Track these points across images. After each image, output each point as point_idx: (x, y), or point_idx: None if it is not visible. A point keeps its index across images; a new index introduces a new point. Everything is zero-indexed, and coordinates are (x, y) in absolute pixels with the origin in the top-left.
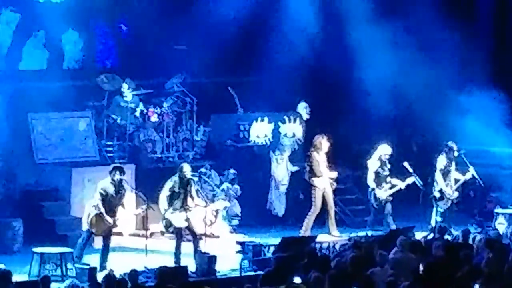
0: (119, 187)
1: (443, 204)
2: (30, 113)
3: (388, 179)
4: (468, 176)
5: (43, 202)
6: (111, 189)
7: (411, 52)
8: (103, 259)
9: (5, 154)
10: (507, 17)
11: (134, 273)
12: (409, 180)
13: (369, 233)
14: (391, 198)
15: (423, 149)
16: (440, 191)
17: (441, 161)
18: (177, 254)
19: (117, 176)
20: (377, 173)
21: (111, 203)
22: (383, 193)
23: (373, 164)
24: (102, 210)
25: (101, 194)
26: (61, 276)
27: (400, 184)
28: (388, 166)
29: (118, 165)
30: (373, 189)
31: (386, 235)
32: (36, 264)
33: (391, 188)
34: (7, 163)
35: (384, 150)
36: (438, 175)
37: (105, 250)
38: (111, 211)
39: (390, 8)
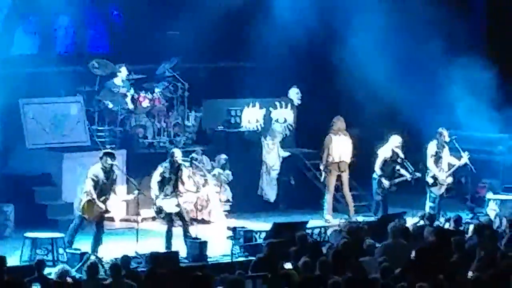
0: (109, 172)
1: (437, 190)
2: (22, 99)
3: (398, 167)
4: (462, 161)
5: (35, 187)
6: (102, 175)
7: (404, 37)
8: (96, 244)
9: None
10: None
11: (126, 259)
12: (418, 174)
13: (360, 219)
14: (395, 188)
15: (414, 135)
16: (433, 177)
17: (432, 147)
18: (168, 239)
19: (108, 162)
20: (385, 161)
21: (102, 188)
22: (387, 182)
23: (383, 152)
24: (94, 196)
25: (92, 180)
26: (52, 261)
27: (407, 175)
28: (401, 156)
29: (109, 150)
30: (380, 176)
31: (377, 221)
32: (27, 249)
33: (396, 177)
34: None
35: (395, 140)
36: (430, 162)
37: (98, 235)
38: (103, 197)
39: None
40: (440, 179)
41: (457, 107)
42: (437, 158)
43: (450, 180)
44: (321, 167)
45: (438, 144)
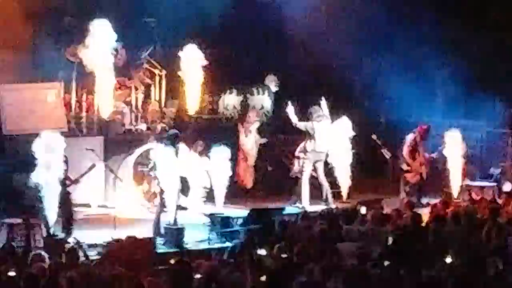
0: None
1: (411, 177)
2: None
3: None
4: (434, 155)
5: (12, 174)
6: None
7: (381, 24)
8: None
9: None
10: None
11: None
12: None
13: (333, 205)
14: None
15: (391, 121)
16: (407, 163)
17: (411, 138)
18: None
19: None
20: None
21: None
22: None
23: None
24: None
25: None
26: (29, 247)
27: None
28: None
29: None
30: None
31: (352, 208)
32: (4, 235)
33: None
34: None
35: None
36: (405, 150)
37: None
38: None
39: None
40: (414, 166)
41: (436, 96)
42: (414, 149)
43: (424, 169)
44: (301, 155)
45: (417, 137)
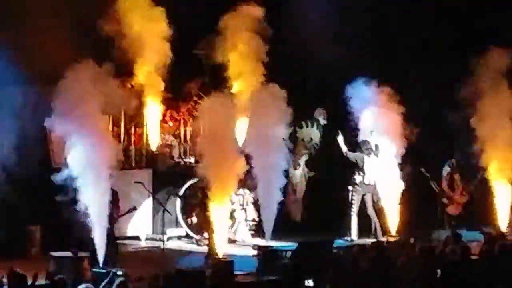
0: None
1: (453, 210)
2: (47, 118)
3: None
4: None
5: (60, 206)
6: None
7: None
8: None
9: (22, 159)
10: None
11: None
12: None
13: (383, 238)
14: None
15: (440, 151)
16: (448, 197)
17: (446, 170)
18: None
19: None
20: None
21: None
22: None
23: None
24: None
25: None
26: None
27: None
28: None
29: None
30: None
31: (400, 241)
32: (53, 268)
33: None
34: (24, 168)
35: None
36: (444, 183)
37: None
38: None
39: None
40: (454, 198)
41: None
42: (451, 180)
43: (465, 199)
44: (349, 187)
45: (451, 168)
